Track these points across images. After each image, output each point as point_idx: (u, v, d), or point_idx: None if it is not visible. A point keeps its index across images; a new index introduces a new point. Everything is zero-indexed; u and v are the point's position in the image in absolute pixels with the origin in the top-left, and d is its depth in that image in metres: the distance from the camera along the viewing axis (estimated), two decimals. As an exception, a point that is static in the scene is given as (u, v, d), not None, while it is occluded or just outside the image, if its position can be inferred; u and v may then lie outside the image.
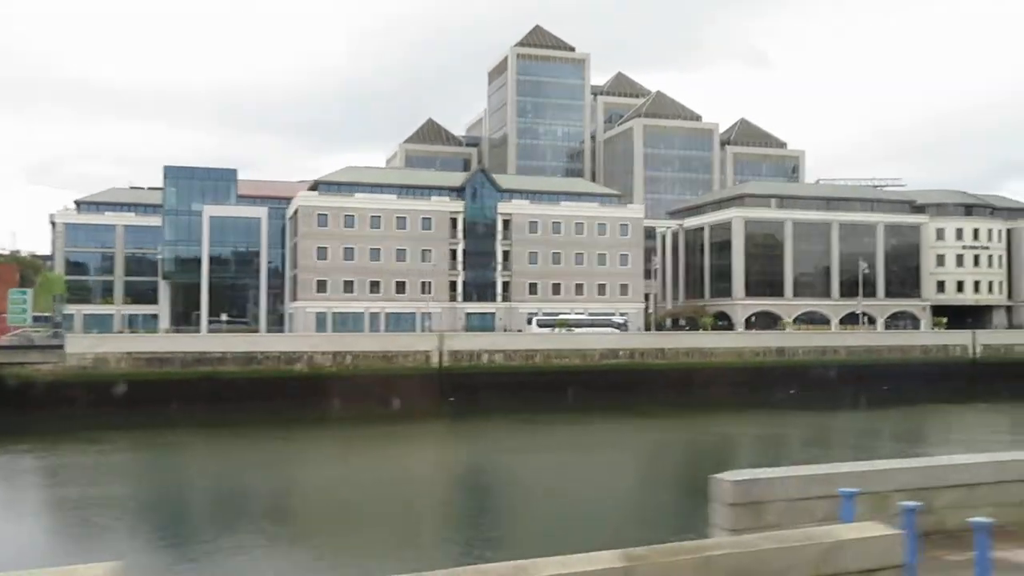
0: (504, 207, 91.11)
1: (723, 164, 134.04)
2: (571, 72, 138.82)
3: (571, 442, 46.32)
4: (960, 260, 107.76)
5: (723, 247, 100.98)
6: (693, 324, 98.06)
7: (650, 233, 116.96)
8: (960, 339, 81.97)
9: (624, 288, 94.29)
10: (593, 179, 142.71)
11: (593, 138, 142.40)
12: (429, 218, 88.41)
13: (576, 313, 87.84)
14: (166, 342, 63.49)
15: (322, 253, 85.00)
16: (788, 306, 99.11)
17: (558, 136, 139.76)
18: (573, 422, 54.35)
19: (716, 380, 68.34)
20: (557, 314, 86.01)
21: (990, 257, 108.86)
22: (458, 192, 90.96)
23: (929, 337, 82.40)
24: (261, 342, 63.87)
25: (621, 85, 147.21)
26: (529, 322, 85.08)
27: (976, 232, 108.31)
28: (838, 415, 60.79)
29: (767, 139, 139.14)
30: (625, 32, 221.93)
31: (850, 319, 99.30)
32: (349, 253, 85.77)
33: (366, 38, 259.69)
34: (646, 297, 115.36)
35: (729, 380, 69.26)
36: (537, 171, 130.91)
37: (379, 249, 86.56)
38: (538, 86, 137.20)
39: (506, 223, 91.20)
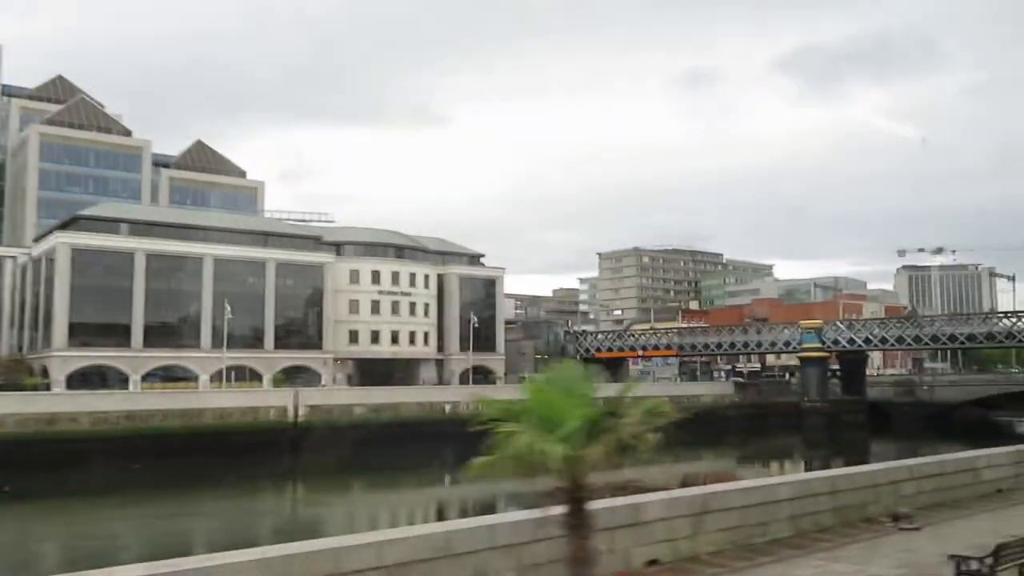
0: None
1: (156, 189, 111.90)
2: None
3: None
4: (377, 307, 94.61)
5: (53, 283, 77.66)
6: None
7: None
8: (278, 400, 65.98)
9: None
10: (1, 199, 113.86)
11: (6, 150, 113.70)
12: None
13: None
14: None
15: None
16: (136, 359, 77.88)
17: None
18: None
19: None
20: None
21: (412, 304, 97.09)
22: None
23: (227, 398, 65.09)
24: None
25: (56, 90, 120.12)
26: None
27: (396, 276, 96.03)
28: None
29: (222, 165, 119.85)
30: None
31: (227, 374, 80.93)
32: None
33: None
34: None
35: None
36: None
37: None
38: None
39: None
